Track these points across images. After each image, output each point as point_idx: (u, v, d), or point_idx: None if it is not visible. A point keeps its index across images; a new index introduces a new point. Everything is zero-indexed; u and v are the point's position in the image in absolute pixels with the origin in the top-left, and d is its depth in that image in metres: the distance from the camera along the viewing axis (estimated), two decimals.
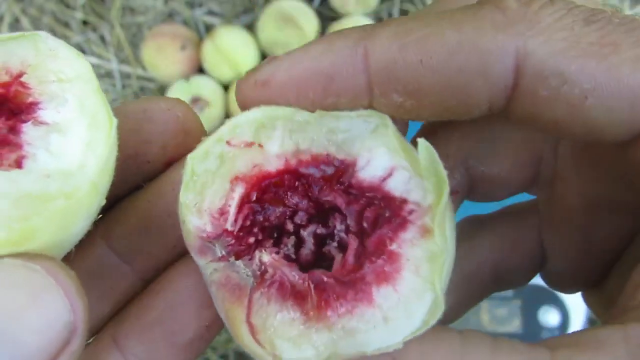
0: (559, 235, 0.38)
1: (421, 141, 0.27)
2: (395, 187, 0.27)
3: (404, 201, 0.27)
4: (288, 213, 0.30)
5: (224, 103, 1.21)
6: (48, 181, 0.26)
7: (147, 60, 1.23)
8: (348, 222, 0.29)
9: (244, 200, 0.28)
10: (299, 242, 0.30)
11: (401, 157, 0.27)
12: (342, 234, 0.30)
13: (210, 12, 1.32)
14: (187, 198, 0.28)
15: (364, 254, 0.28)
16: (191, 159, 0.28)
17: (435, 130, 0.36)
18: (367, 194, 0.28)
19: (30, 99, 0.28)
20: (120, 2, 1.29)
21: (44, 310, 0.23)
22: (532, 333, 1.03)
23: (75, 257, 0.28)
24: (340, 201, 0.29)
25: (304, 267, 0.29)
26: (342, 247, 0.29)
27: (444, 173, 0.26)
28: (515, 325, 1.04)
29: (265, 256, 0.29)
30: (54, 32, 1.29)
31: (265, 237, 0.30)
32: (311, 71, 0.28)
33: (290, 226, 0.30)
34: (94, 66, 1.21)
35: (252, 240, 0.29)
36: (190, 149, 0.29)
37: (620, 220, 0.34)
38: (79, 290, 0.24)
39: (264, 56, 1.26)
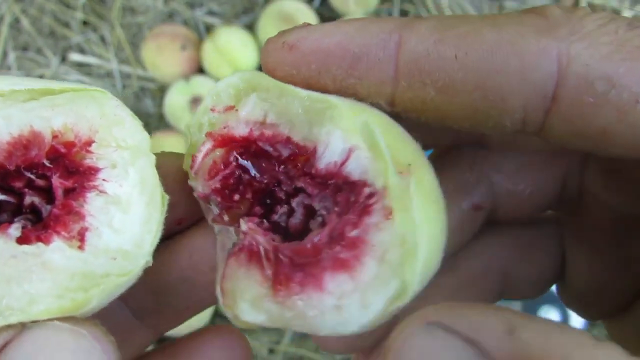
0: (585, 251, 0.36)
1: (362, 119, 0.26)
2: (354, 170, 0.27)
3: (364, 184, 0.26)
4: (273, 181, 0.30)
5: None
6: (113, 263, 0.26)
7: (147, 60, 1.23)
8: (325, 204, 0.29)
9: (226, 160, 0.29)
10: (291, 212, 0.30)
11: (358, 138, 0.26)
12: (324, 212, 0.29)
13: (210, 12, 1.32)
14: (187, 166, 0.30)
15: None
16: (187, 127, 0.30)
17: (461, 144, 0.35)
18: (330, 181, 0.28)
19: (88, 161, 0.28)
20: (121, 2, 1.29)
21: None
22: None
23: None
24: (310, 189, 0.28)
25: (296, 236, 0.29)
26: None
27: (383, 150, 0.25)
28: None
29: (244, 224, 0.28)
30: (54, 32, 1.29)
31: (256, 202, 0.30)
32: (341, 46, 0.27)
33: (281, 194, 0.30)
34: (94, 66, 1.20)
35: (237, 197, 0.29)
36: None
37: None
38: (117, 354, 0.25)
39: None
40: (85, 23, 1.31)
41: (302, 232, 0.29)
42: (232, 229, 0.30)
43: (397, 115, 0.28)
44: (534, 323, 0.21)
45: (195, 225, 0.33)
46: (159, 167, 0.28)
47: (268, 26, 1.21)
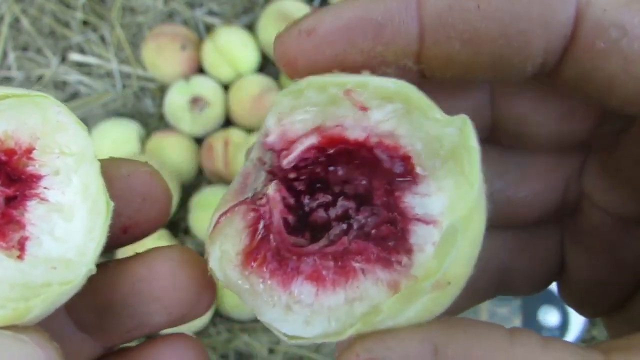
0: (583, 249, 0.36)
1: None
2: (418, 236, 0.25)
3: (410, 250, 0.25)
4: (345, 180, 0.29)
5: (224, 103, 1.21)
6: (53, 272, 0.26)
7: (147, 60, 1.23)
8: (368, 219, 0.28)
9: (310, 148, 0.28)
10: (329, 204, 0.29)
11: (449, 221, 0.24)
12: (355, 226, 0.28)
13: (210, 12, 1.32)
14: (281, 100, 0.28)
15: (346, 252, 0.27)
16: (309, 82, 0.27)
17: None
18: (393, 211, 0.26)
19: (30, 169, 0.27)
20: (121, 2, 1.29)
21: None
22: None
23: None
24: (371, 209, 0.27)
25: (308, 224, 0.29)
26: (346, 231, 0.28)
27: (447, 258, 0.23)
28: (515, 325, 1.04)
29: (272, 189, 0.28)
30: (54, 32, 1.30)
31: (304, 181, 0.29)
32: (361, 18, 0.26)
33: (337, 189, 0.29)
34: (94, 66, 1.21)
35: (292, 175, 0.28)
36: (150, 214, 0.29)
37: None
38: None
39: (264, 56, 1.26)
40: (85, 23, 1.31)
41: (316, 225, 0.29)
42: (264, 173, 0.29)
43: (422, 74, 0.28)
44: (454, 337, 0.23)
45: (142, 254, 0.32)
46: (105, 173, 0.27)
47: (268, 26, 1.21)
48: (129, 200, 0.30)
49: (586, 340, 1.06)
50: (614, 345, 0.24)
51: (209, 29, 1.28)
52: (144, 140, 1.21)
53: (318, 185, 0.29)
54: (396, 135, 0.26)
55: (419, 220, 0.25)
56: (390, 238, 0.26)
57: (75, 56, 1.28)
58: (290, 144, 0.28)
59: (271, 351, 1.09)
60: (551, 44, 0.25)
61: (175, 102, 1.19)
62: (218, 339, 1.10)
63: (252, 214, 0.28)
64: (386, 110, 0.26)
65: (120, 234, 0.31)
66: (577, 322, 1.03)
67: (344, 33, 0.27)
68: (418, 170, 0.26)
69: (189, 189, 1.18)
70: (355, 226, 0.28)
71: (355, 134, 0.27)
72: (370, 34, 0.26)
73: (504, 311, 1.05)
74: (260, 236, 0.28)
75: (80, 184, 0.27)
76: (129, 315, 0.31)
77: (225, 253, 0.28)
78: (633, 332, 0.24)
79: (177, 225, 1.18)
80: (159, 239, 1.10)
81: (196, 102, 1.18)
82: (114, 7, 1.29)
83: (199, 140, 1.22)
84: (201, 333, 1.10)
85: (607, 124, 0.31)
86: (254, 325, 1.12)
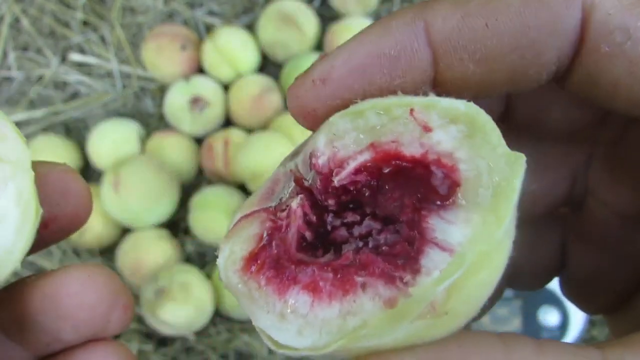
0: (585, 245, 0.36)
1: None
2: (430, 260, 0.24)
3: (417, 271, 0.24)
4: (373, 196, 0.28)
5: (224, 103, 1.21)
6: None
7: (147, 60, 1.23)
8: (387, 237, 0.27)
9: (361, 169, 0.26)
10: (353, 224, 0.28)
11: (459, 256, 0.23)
12: (372, 242, 0.27)
13: (210, 12, 1.32)
14: (338, 120, 0.26)
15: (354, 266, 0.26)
16: (372, 104, 0.26)
17: None
18: (414, 229, 0.25)
19: None
20: (121, 2, 1.29)
21: None
22: (532, 333, 1.03)
23: None
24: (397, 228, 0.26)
25: (322, 239, 0.28)
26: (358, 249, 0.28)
27: (454, 300, 0.23)
28: (515, 325, 1.04)
29: (296, 203, 0.27)
30: (54, 32, 1.30)
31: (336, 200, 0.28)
32: (374, 55, 0.26)
33: (368, 210, 0.28)
34: (94, 66, 1.21)
35: (331, 202, 0.27)
36: (68, 209, 0.30)
37: None
38: None
39: (264, 56, 1.26)
40: (85, 23, 1.31)
41: (334, 242, 0.28)
42: (293, 184, 0.28)
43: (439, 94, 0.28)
44: (449, 355, 0.23)
45: (54, 271, 0.32)
46: (38, 175, 0.29)
47: (268, 26, 1.21)
48: (47, 197, 0.31)
49: (586, 340, 1.06)
50: (610, 343, 0.24)
51: (209, 29, 1.28)
52: (144, 140, 1.21)
53: (350, 205, 0.28)
54: (455, 158, 0.25)
55: (436, 244, 0.24)
56: (401, 256, 0.25)
57: (75, 56, 1.28)
58: (339, 164, 0.27)
59: (271, 351, 1.09)
60: (562, 51, 0.25)
61: (175, 102, 1.19)
62: (218, 339, 1.10)
63: (269, 224, 0.28)
64: (450, 131, 0.25)
65: (42, 229, 0.32)
66: (577, 322, 1.03)
67: (360, 74, 0.26)
68: (459, 198, 0.25)
69: (189, 189, 1.18)
70: (370, 244, 0.27)
71: (411, 150, 0.25)
72: (385, 69, 0.26)
73: (504, 311, 1.05)
74: (262, 243, 0.28)
75: (15, 191, 0.28)
76: (41, 331, 0.31)
77: (232, 254, 0.28)
78: (635, 331, 0.24)
79: (177, 225, 1.18)
80: (159, 239, 1.11)
81: (196, 102, 1.18)
82: (114, 7, 1.29)
83: (199, 140, 1.22)
84: (201, 333, 1.10)
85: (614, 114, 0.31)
86: (254, 325, 1.12)
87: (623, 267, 0.35)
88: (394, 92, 0.26)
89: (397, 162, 0.26)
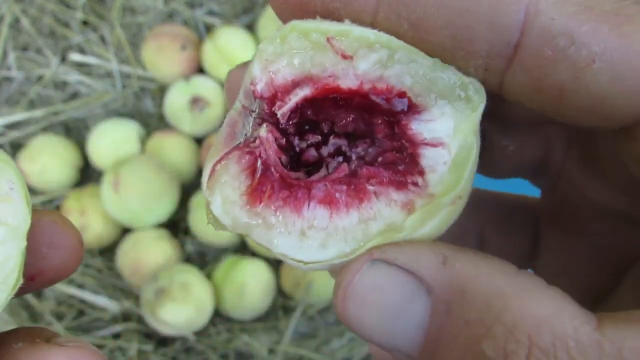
0: (560, 234, 0.37)
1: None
2: (428, 159, 0.26)
3: (422, 171, 0.26)
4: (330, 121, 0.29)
5: (224, 103, 1.21)
6: None
7: (147, 60, 1.23)
8: (368, 150, 0.29)
9: (302, 99, 0.28)
10: (320, 144, 0.30)
11: (458, 144, 0.26)
12: (353, 155, 0.29)
13: (210, 12, 1.32)
14: (266, 47, 0.28)
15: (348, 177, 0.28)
16: (292, 26, 0.27)
17: None
18: (399, 140, 0.27)
19: None
20: (121, 2, 1.29)
21: None
22: None
23: None
24: (381, 137, 0.28)
25: (299, 163, 0.29)
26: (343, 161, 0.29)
27: (463, 177, 0.25)
28: None
29: (264, 131, 0.28)
30: (54, 32, 1.30)
31: (294, 123, 0.29)
32: None
33: (326, 128, 0.29)
34: (94, 66, 1.21)
35: (282, 120, 0.29)
36: (55, 261, 0.30)
37: (631, 232, 0.33)
38: None
39: None
40: (85, 23, 1.31)
41: (309, 164, 0.29)
42: (251, 118, 0.29)
43: None
44: (464, 254, 0.25)
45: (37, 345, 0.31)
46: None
47: (268, 26, 1.21)
48: (34, 250, 0.30)
49: None
50: (611, 316, 0.23)
51: (209, 29, 1.28)
52: (144, 140, 1.21)
53: (306, 127, 0.30)
54: (385, 78, 0.27)
55: (427, 144, 0.26)
56: (398, 163, 0.27)
57: (75, 56, 1.28)
58: (279, 91, 0.28)
59: (271, 351, 1.09)
60: (494, 48, 0.25)
61: (175, 102, 1.19)
62: (218, 339, 1.10)
63: (247, 157, 0.29)
64: (371, 59, 0.27)
65: (29, 281, 0.32)
66: None
67: None
68: (416, 101, 0.27)
69: (189, 189, 1.18)
70: (353, 157, 0.29)
71: (347, 82, 0.27)
72: None
73: None
74: (260, 173, 0.28)
75: (1, 258, 0.28)
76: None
77: (227, 198, 0.28)
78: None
79: (177, 226, 1.18)
80: (159, 239, 1.11)
81: (196, 102, 1.18)
82: (114, 7, 1.29)
83: (199, 140, 1.22)
84: (201, 333, 1.10)
85: None
86: (254, 325, 1.12)
87: (595, 259, 0.35)
88: (332, 11, 0.27)
89: (335, 94, 0.28)
